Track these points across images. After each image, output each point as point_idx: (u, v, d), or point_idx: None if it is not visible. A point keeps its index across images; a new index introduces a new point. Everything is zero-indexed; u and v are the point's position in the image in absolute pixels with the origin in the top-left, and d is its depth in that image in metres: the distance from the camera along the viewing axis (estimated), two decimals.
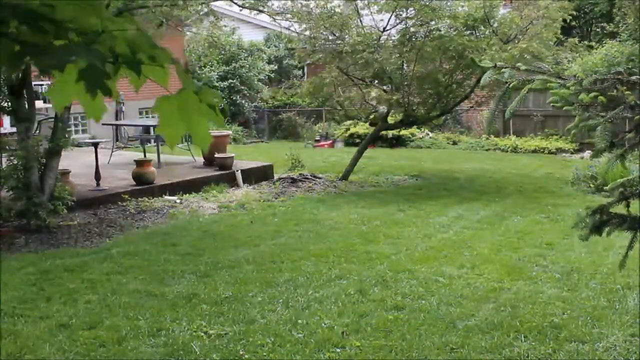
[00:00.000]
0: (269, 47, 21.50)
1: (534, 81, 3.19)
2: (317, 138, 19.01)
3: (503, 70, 3.32)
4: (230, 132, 15.30)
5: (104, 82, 1.43)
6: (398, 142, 18.03)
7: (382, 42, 11.79)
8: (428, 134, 18.48)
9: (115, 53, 1.50)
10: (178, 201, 9.77)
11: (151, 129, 13.80)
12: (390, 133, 16.62)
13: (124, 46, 1.50)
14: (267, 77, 21.10)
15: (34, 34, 1.40)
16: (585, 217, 3.48)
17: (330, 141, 18.62)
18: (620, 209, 3.48)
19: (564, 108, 3.14)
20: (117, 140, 15.02)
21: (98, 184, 9.86)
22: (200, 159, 12.27)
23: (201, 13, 12.19)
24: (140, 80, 1.58)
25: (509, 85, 3.28)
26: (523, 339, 4.70)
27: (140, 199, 9.60)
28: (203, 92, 1.60)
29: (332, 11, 11.89)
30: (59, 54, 1.38)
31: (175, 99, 1.61)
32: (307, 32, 12.02)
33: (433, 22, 11.37)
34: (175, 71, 1.64)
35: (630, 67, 14.89)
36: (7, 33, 1.41)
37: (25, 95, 8.17)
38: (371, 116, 13.37)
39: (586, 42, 14.80)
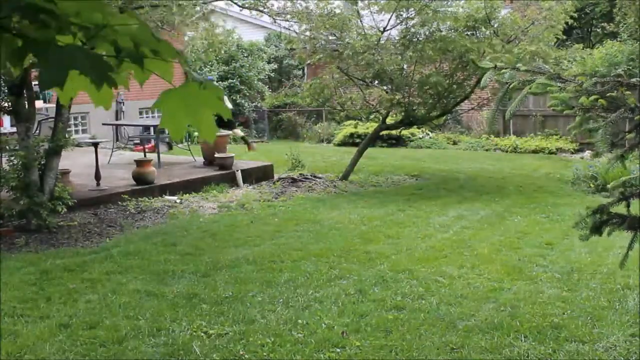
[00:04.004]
0: (269, 47, 21.50)
1: (534, 82, 3.18)
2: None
3: (503, 71, 3.32)
4: (230, 132, 15.27)
5: (109, 75, 1.43)
6: (398, 142, 18.03)
7: (383, 42, 11.79)
8: (428, 134, 18.48)
9: (118, 47, 1.50)
10: (178, 201, 9.77)
11: (151, 128, 13.79)
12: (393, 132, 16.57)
13: (127, 40, 1.49)
14: (267, 77, 21.10)
15: (36, 29, 1.40)
16: (586, 217, 3.48)
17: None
18: (620, 208, 3.49)
19: (564, 112, 3.14)
20: (117, 140, 15.02)
21: (98, 184, 9.86)
22: (200, 159, 12.27)
23: (195, 16, 12.08)
24: (144, 75, 1.57)
25: (509, 86, 3.28)
26: (523, 339, 4.69)
27: (140, 198, 9.59)
28: (208, 85, 1.59)
29: (332, 12, 11.88)
30: (59, 62, 1.37)
31: (179, 92, 1.59)
32: (307, 33, 12.01)
33: (435, 23, 11.35)
34: (180, 64, 1.63)
35: (630, 66, 14.91)
36: (10, 27, 1.40)
37: (25, 95, 8.18)
38: (371, 116, 13.36)
39: (588, 50, 14.81)
